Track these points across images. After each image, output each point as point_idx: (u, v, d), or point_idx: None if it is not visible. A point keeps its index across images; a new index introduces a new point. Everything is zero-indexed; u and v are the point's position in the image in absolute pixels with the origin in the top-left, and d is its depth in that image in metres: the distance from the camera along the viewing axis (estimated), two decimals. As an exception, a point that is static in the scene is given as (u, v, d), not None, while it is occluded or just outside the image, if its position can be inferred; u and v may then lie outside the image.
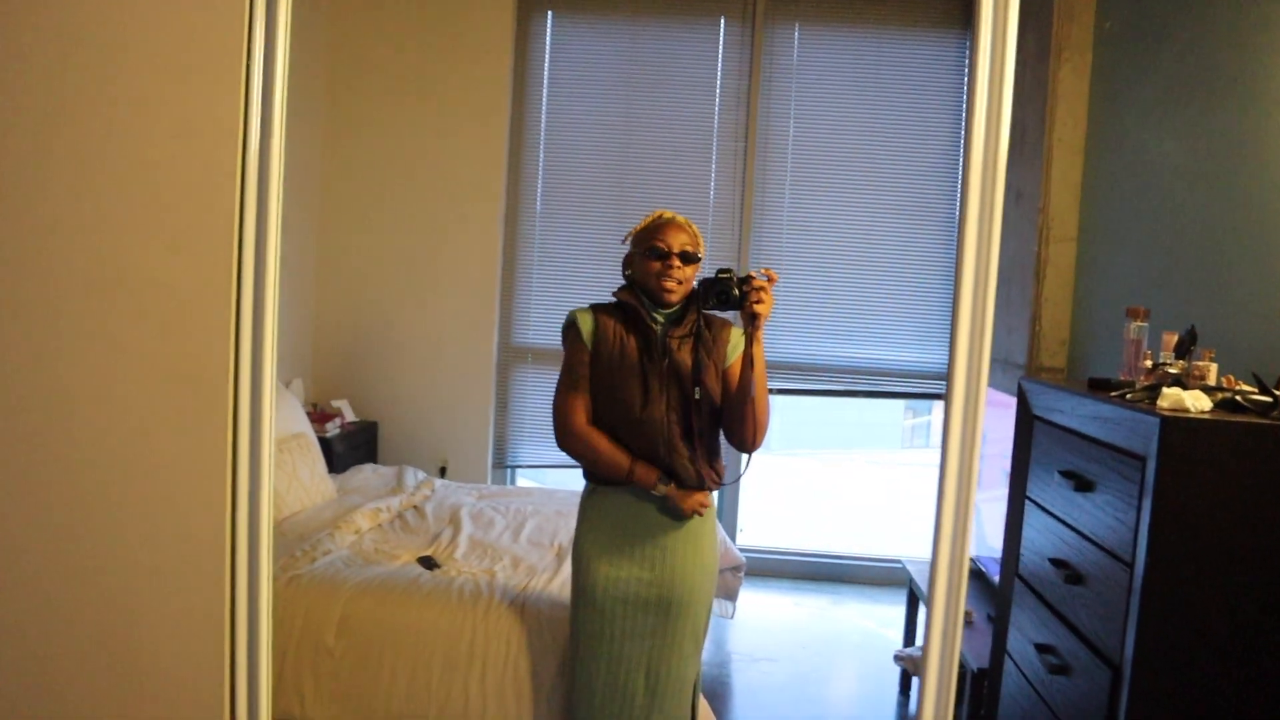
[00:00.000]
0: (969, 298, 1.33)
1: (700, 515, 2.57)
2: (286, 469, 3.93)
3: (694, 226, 2.58)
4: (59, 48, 1.51)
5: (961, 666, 3.54)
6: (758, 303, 2.37)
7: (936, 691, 1.37)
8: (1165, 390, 2.22)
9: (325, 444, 4.66)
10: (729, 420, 2.53)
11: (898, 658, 3.90)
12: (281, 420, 4.16)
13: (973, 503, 1.41)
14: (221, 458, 1.49)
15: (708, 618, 2.67)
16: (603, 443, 2.53)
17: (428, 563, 3.38)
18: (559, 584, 3.22)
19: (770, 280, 2.39)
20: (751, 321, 2.39)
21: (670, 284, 2.49)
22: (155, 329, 1.52)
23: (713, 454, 2.58)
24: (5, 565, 1.60)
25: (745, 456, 2.58)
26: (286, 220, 4.61)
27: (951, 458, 1.36)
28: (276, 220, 1.45)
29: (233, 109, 1.44)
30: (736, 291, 2.39)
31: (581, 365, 2.56)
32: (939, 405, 7.60)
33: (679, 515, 2.54)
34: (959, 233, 1.38)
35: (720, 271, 2.42)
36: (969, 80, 1.41)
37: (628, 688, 2.56)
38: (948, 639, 1.34)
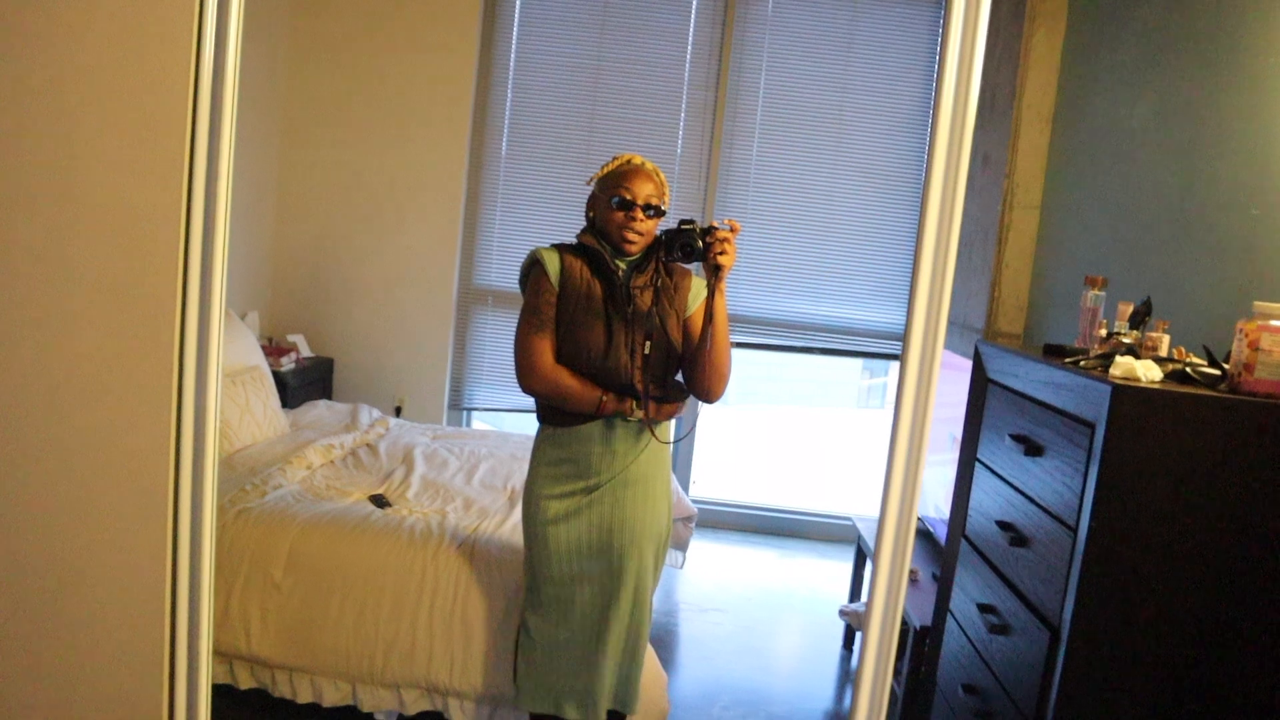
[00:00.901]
0: (929, 259, 1.33)
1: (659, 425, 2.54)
2: (239, 401, 3.88)
3: (661, 174, 2.54)
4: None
5: (904, 623, 3.61)
6: (720, 254, 2.35)
7: (878, 647, 1.38)
8: (1118, 359, 2.24)
9: (279, 379, 4.62)
10: (689, 370, 2.53)
11: (842, 612, 3.96)
12: (235, 352, 4.10)
13: (923, 462, 1.42)
14: (167, 382, 1.46)
15: (660, 564, 2.69)
16: (572, 379, 2.51)
17: (379, 501, 3.36)
18: (510, 527, 3.22)
19: (733, 231, 2.37)
20: (714, 273, 2.37)
21: (632, 235, 2.46)
22: (104, 249, 1.48)
23: (672, 393, 2.57)
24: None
25: (696, 410, 2.59)
26: (246, 153, 4.51)
27: (904, 415, 1.37)
28: (230, 137, 1.41)
29: (186, 22, 1.39)
30: (700, 243, 2.37)
31: (548, 305, 2.52)
32: (895, 367, 7.66)
33: (634, 447, 2.54)
34: (923, 195, 1.37)
35: (683, 222, 2.38)
36: (941, 41, 1.40)
37: (584, 631, 2.58)
38: (891, 595, 1.36)
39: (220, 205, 1.39)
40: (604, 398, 2.49)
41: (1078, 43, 4.00)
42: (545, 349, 2.53)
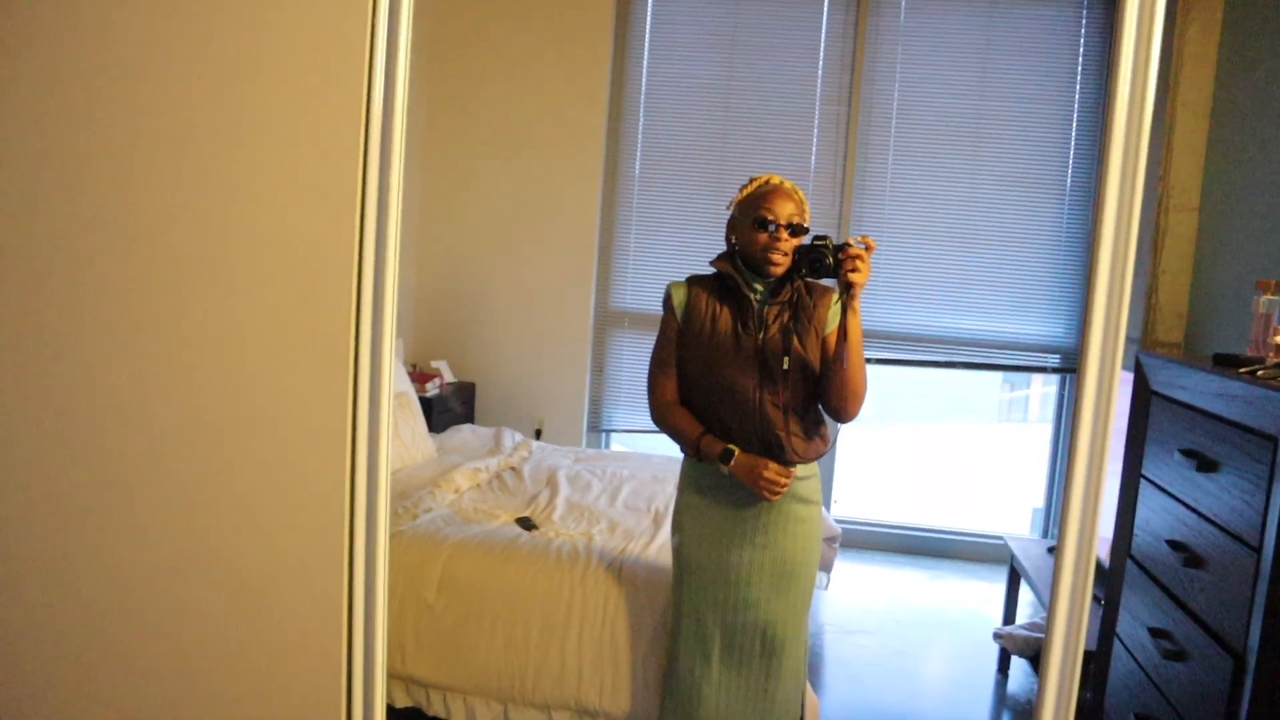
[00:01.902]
0: (1105, 276, 1.27)
1: (770, 500, 2.48)
2: (389, 428, 4.01)
3: (800, 193, 2.51)
4: (195, 23, 1.53)
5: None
6: (853, 271, 2.31)
7: (1059, 678, 1.32)
8: (1301, 368, 2.11)
9: (425, 404, 4.75)
10: (825, 389, 2.49)
11: (997, 636, 3.82)
12: (384, 380, 4.23)
13: (1103, 486, 1.36)
14: (342, 414, 1.51)
15: (808, 598, 2.64)
16: (677, 417, 2.56)
17: (526, 523, 3.41)
18: (655, 549, 3.22)
19: (868, 248, 2.33)
20: (847, 290, 2.34)
21: (776, 256, 2.43)
22: (280, 288, 1.55)
23: (811, 425, 2.54)
24: (134, 516, 1.66)
25: (836, 430, 2.55)
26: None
27: (1082, 438, 1.31)
28: (398, 181, 1.46)
29: (357, 73, 1.45)
30: (830, 260, 2.34)
31: (668, 342, 2.58)
32: (1038, 379, 7.37)
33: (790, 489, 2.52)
34: (1096, 207, 1.32)
35: (816, 239, 2.37)
36: (1112, 46, 1.34)
37: (742, 649, 2.55)
38: (1072, 627, 1.30)
39: (390, 238, 1.44)
40: (700, 441, 2.49)
41: (1235, 34, 3.80)
42: (663, 386, 2.59)
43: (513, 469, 4.16)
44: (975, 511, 7.00)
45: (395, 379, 4.26)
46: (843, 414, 2.47)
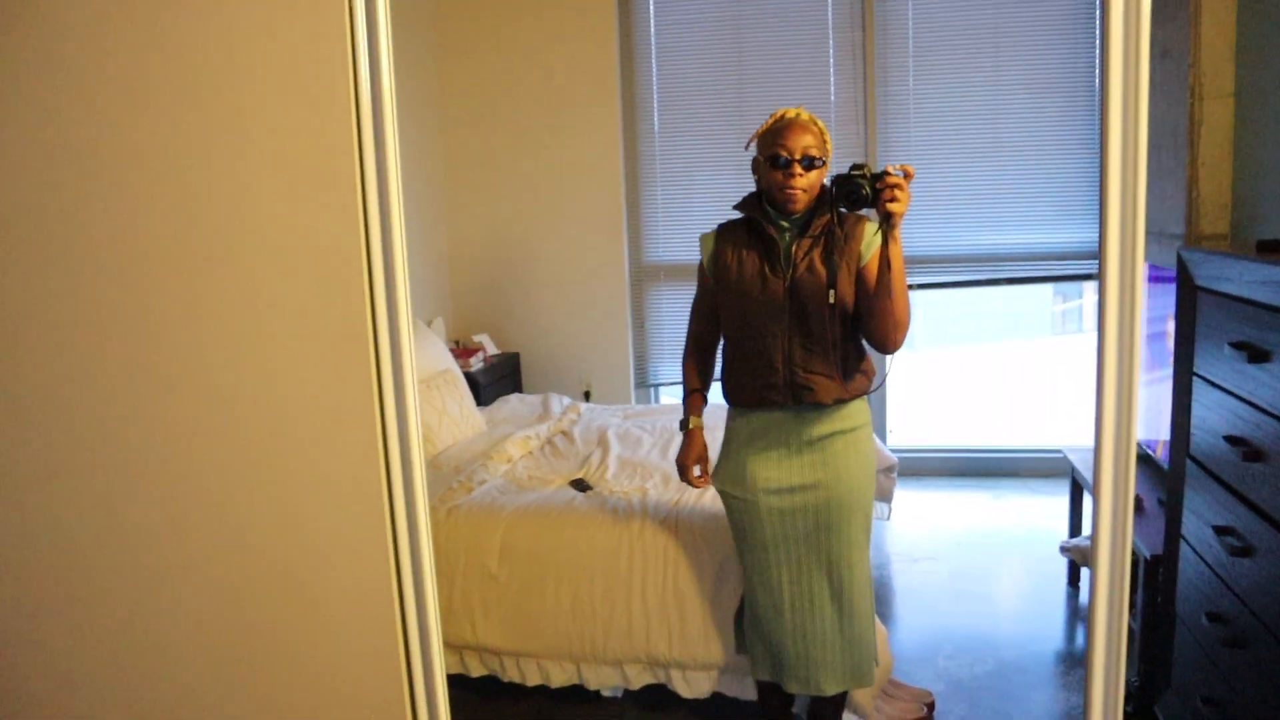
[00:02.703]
0: (1117, 159, 1.23)
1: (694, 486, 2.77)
2: (436, 405, 4.05)
3: (819, 123, 2.46)
4: (188, 22, 1.54)
5: (1134, 554, 3.42)
6: (891, 200, 2.24)
7: (1109, 581, 1.31)
8: (1346, 246, 2.04)
9: (471, 379, 4.78)
10: (868, 321, 2.44)
11: (1064, 549, 3.79)
12: (426, 359, 4.27)
13: (1136, 384, 1.33)
14: (368, 396, 1.52)
15: (870, 522, 2.64)
16: (685, 370, 2.78)
17: (580, 485, 3.44)
18: (710, 497, 3.23)
19: (907, 176, 2.26)
20: (887, 220, 2.28)
21: (793, 192, 2.39)
22: (293, 279, 1.56)
23: (851, 363, 2.51)
24: (175, 508, 1.69)
25: (886, 362, 2.53)
26: (410, 165, 4.67)
27: (1109, 334, 1.28)
28: (394, 155, 1.46)
29: (341, 61, 1.45)
30: (868, 189, 2.27)
31: (700, 296, 2.67)
32: (1090, 287, 7.23)
33: (828, 426, 2.51)
34: (1102, 98, 1.28)
35: (853, 167, 2.27)
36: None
37: (811, 592, 2.55)
38: (1118, 526, 1.28)
39: (395, 218, 1.44)
40: (688, 400, 2.76)
41: (1257, -92, 3.65)
42: (690, 339, 2.76)
43: (563, 433, 4.19)
44: (1035, 428, 6.92)
45: (437, 357, 4.33)
46: (888, 344, 2.44)
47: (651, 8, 5.25)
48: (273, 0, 1.47)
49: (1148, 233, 4.48)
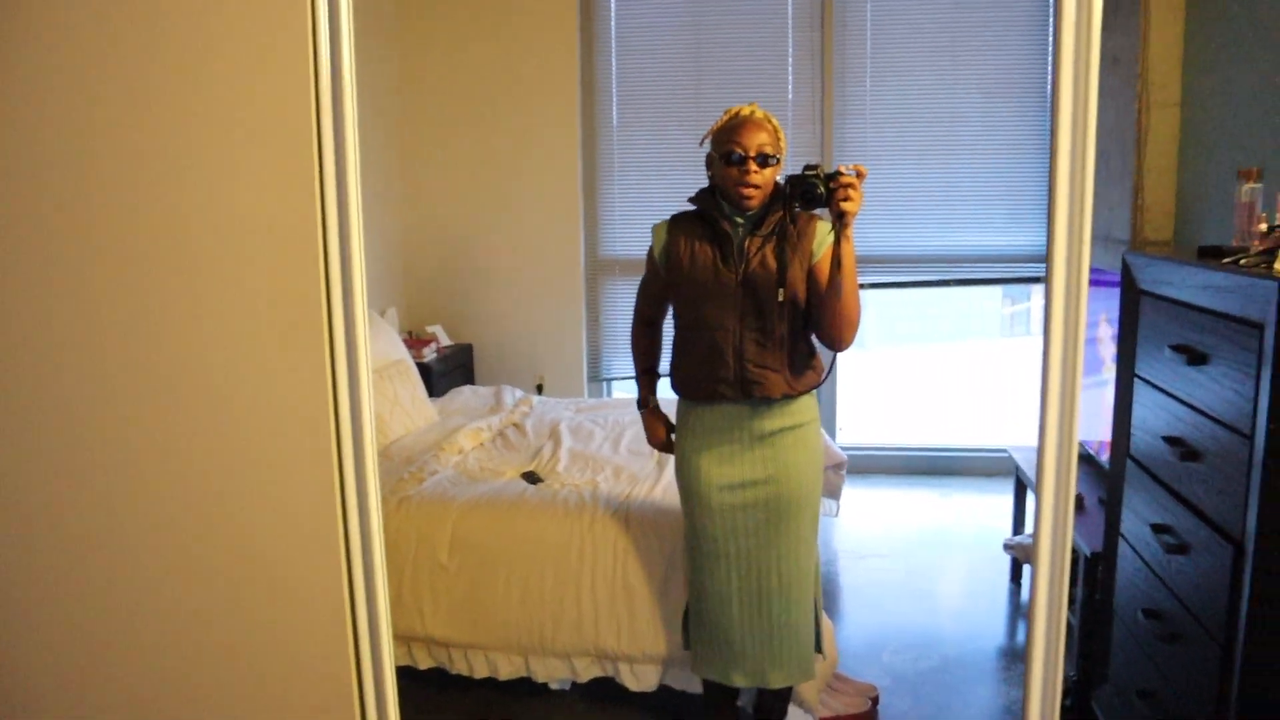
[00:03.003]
0: (1065, 167, 1.26)
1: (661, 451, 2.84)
2: (388, 395, 4.02)
3: (774, 120, 2.49)
4: (143, 19, 1.52)
5: (1074, 551, 3.49)
6: (845, 200, 2.27)
7: (1049, 577, 1.34)
8: (1282, 253, 2.10)
9: (423, 369, 4.76)
10: (819, 319, 2.47)
11: (1007, 546, 3.86)
12: (379, 349, 4.24)
13: (1079, 383, 1.36)
14: (322, 385, 1.52)
15: (817, 518, 2.67)
16: (634, 350, 2.79)
17: (531, 478, 3.44)
18: (660, 490, 3.25)
19: (859, 175, 2.29)
20: (840, 219, 2.31)
21: (748, 189, 2.41)
22: (249, 265, 1.55)
23: (800, 358, 2.53)
24: (127, 497, 1.67)
25: (832, 357, 2.56)
26: (368, 155, 4.62)
27: (1055, 337, 1.31)
28: (353, 139, 1.45)
29: (302, 48, 1.44)
30: (822, 189, 2.30)
31: (648, 284, 2.69)
32: (1038, 291, 7.34)
33: (776, 421, 2.53)
34: (1052, 106, 1.30)
35: (806, 168, 2.31)
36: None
37: (759, 586, 2.57)
38: (1059, 524, 1.31)
39: (352, 206, 1.43)
40: (640, 379, 2.78)
41: (1205, -78, 3.74)
42: (636, 325, 2.78)
43: (515, 425, 4.18)
44: (982, 428, 7.03)
45: (390, 346, 4.30)
46: (838, 343, 2.47)
47: (613, 4, 5.24)
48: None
49: (1095, 237, 4.58)
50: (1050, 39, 4.92)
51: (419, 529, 3.09)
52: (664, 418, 2.77)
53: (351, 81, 1.46)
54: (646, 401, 2.78)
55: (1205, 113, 3.76)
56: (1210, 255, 2.44)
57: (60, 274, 1.63)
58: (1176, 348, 2.44)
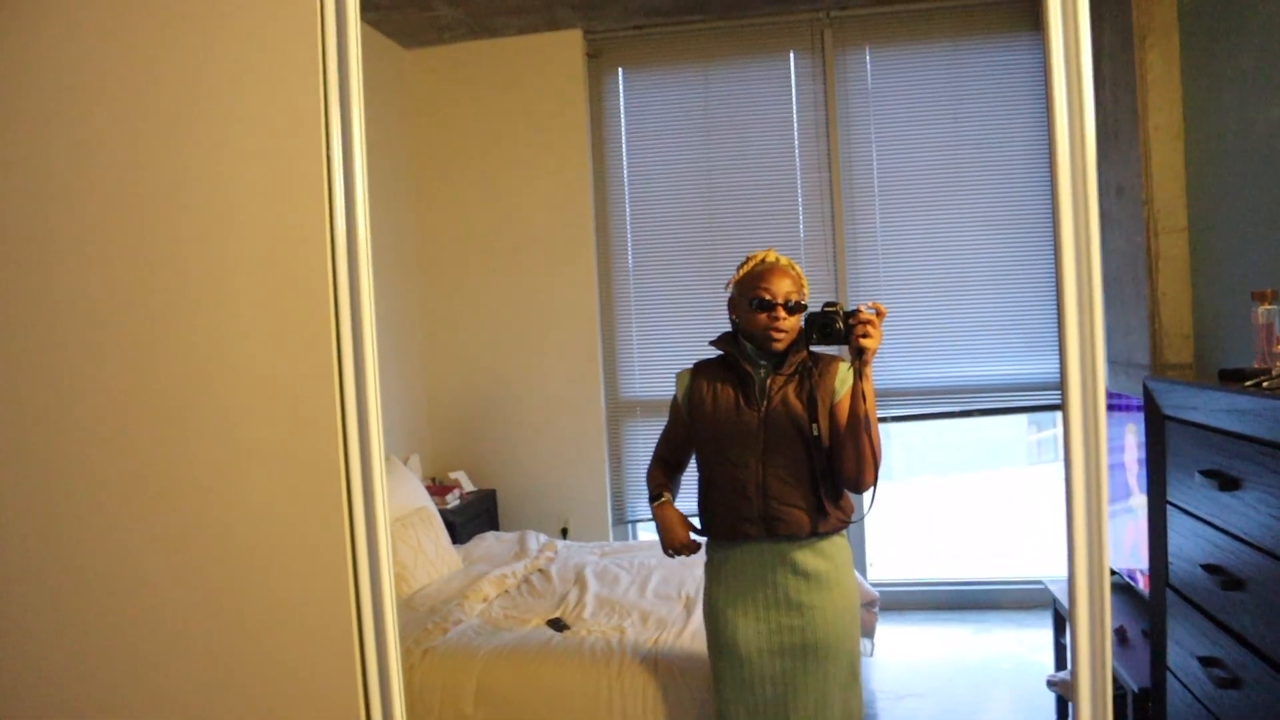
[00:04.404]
0: (1073, 293, 1.27)
1: (679, 556, 2.61)
2: (411, 543, 3.99)
3: (797, 267, 2.54)
4: (157, 174, 1.59)
5: (1121, 688, 3.36)
6: (864, 336, 2.29)
7: (1091, 715, 1.29)
8: (1305, 374, 2.09)
9: (447, 516, 4.73)
10: (839, 459, 2.45)
11: (1050, 683, 3.72)
12: (402, 496, 4.23)
13: (1105, 512, 1.34)
14: (340, 535, 1.51)
15: (857, 661, 2.59)
16: (650, 481, 2.68)
17: (557, 625, 3.37)
18: (690, 635, 3.18)
19: (879, 314, 2.32)
20: (859, 356, 2.33)
21: (777, 334, 2.45)
22: (267, 420, 1.56)
23: (827, 495, 2.49)
24: (146, 656, 1.65)
25: (866, 496, 2.52)
26: (392, 306, 4.72)
27: (1076, 464, 1.30)
28: (369, 300, 1.49)
29: (318, 203, 1.49)
30: (841, 325, 2.33)
31: (670, 431, 2.68)
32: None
33: (804, 561, 2.49)
34: (1055, 234, 1.32)
35: (826, 305, 2.35)
36: (1045, 76, 1.37)
37: None
38: (1096, 659, 1.27)
39: (368, 360, 1.46)
40: (673, 542, 2.58)
41: (1195, 56, 3.86)
42: (654, 468, 2.71)
43: (540, 571, 4.13)
44: (1015, 558, 6.88)
45: (412, 495, 4.29)
46: (858, 483, 2.44)
47: (625, 152, 5.41)
48: (251, 134, 1.52)
49: (1114, 363, 4.57)
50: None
51: (443, 680, 3.02)
52: (678, 514, 2.60)
53: (366, 235, 1.50)
54: (659, 495, 2.63)
55: (1213, 236, 3.80)
56: (1232, 378, 2.43)
57: (83, 440, 1.66)
58: (1207, 473, 2.41)
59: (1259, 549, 2.17)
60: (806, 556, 2.49)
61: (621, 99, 5.43)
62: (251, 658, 1.62)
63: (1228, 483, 2.31)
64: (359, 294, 1.47)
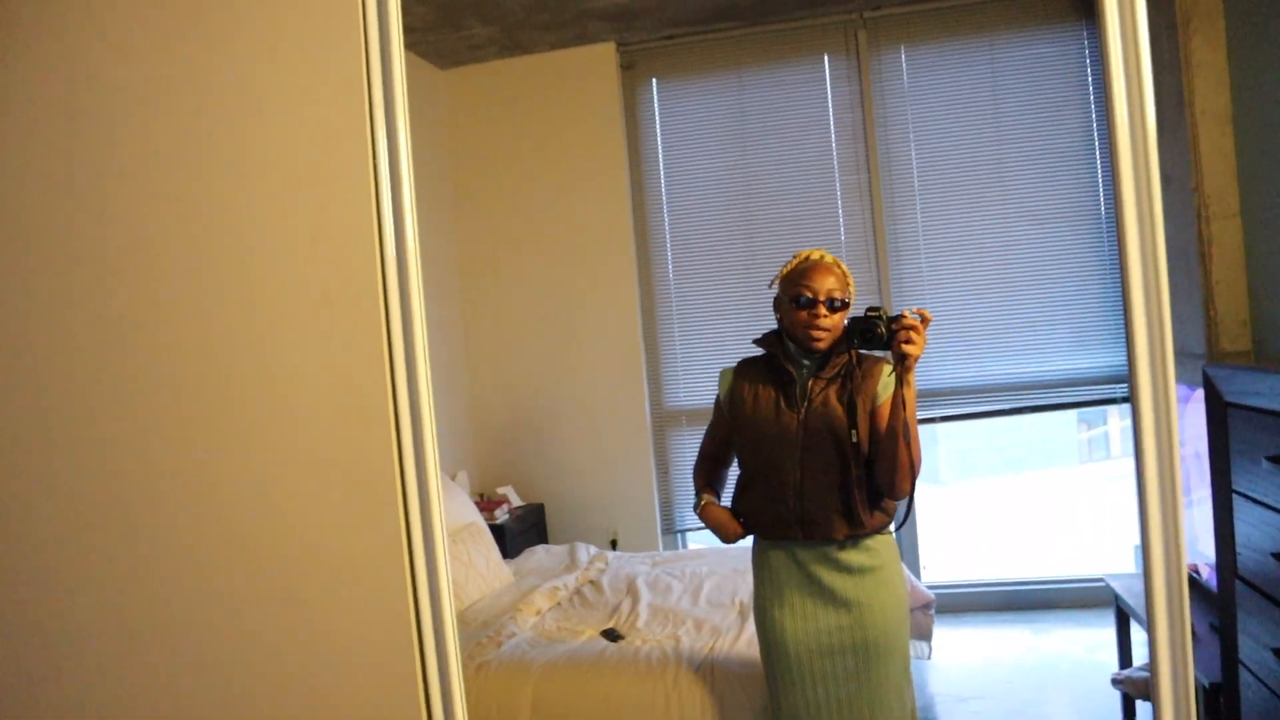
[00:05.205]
0: (1139, 287, 1.24)
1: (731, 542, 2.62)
2: (462, 559, 4.00)
3: (842, 265, 2.51)
4: (212, 189, 1.60)
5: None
6: (907, 342, 2.25)
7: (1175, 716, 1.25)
8: (1374, 354, 2.03)
9: (497, 531, 4.74)
10: (878, 464, 2.41)
11: (1115, 681, 3.64)
12: (452, 512, 4.24)
13: (1181, 507, 1.30)
14: (399, 552, 1.51)
15: (907, 661, 2.55)
16: (697, 479, 2.70)
17: (611, 635, 3.36)
18: (745, 641, 3.15)
19: (924, 320, 2.28)
20: (901, 362, 2.29)
21: (818, 333, 2.42)
22: (323, 437, 1.57)
23: (867, 498, 2.45)
24: (201, 678, 1.66)
25: (903, 504, 2.48)
26: (435, 322, 4.74)
27: (1149, 458, 1.26)
28: (420, 316, 1.49)
29: (367, 223, 1.50)
30: (883, 330, 2.29)
31: (714, 428, 2.69)
32: (1114, 412, 7.16)
33: (848, 559, 2.46)
34: (1118, 224, 1.29)
35: (869, 310, 2.32)
36: (1103, 66, 1.33)
37: None
38: (1177, 658, 1.23)
39: (422, 383, 1.46)
40: (728, 539, 2.59)
41: (1241, 39, 3.79)
42: (701, 458, 2.72)
43: (591, 582, 4.12)
44: (1072, 557, 6.77)
45: (462, 510, 4.30)
46: (895, 489, 2.41)
47: (661, 161, 5.41)
48: (301, 155, 1.53)
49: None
50: (1097, 158, 4.95)
51: (499, 695, 3.01)
52: (725, 510, 2.60)
53: (416, 256, 1.51)
54: (702, 498, 2.65)
55: (1267, 221, 3.72)
56: (1297, 362, 2.37)
57: (141, 455, 1.67)
58: (1274, 459, 2.35)
59: (1332, 536, 2.12)
60: (850, 554, 2.46)
61: (656, 109, 5.43)
62: (310, 676, 1.62)
63: (1296, 469, 2.25)
64: (410, 308, 1.47)
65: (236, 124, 1.59)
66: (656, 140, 5.42)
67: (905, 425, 2.32)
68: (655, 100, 5.43)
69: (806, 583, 2.48)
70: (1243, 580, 2.60)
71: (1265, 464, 2.39)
